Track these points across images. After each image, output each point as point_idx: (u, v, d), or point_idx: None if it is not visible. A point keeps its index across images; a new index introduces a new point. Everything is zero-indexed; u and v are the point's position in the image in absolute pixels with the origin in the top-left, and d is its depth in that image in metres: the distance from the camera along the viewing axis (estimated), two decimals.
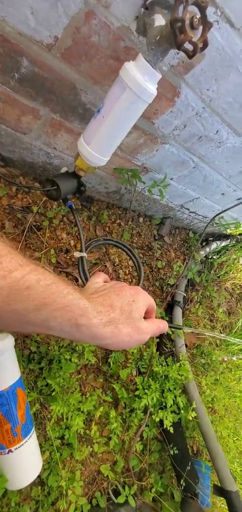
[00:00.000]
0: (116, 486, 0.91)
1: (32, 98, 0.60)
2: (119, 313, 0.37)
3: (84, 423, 0.85)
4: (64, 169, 0.61)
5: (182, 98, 0.61)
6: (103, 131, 0.47)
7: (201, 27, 0.38)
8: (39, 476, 0.75)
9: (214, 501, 1.18)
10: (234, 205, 1.07)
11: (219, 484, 0.92)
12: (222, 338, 1.39)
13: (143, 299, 0.42)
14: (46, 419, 0.79)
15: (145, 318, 0.43)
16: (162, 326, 0.43)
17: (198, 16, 0.38)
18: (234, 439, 1.34)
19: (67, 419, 0.79)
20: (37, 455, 0.70)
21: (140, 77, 0.40)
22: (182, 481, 0.91)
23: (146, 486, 0.95)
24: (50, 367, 0.81)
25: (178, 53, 0.51)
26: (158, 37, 0.38)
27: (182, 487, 0.94)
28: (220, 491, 0.90)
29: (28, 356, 0.81)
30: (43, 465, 0.75)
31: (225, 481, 0.88)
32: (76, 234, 0.97)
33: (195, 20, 0.37)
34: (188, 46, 0.37)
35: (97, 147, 0.50)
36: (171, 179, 0.95)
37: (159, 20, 0.40)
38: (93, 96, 0.60)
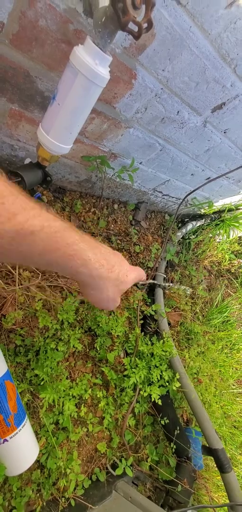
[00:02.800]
0: (114, 461, 0.95)
1: None
2: (114, 278, 0.41)
3: (76, 406, 0.88)
4: (27, 160, 0.62)
5: (139, 80, 0.63)
6: (61, 118, 0.48)
7: (144, 6, 0.40)
8: (38, 461, 0.78)
9: (207, 462, 1.26)
10: (203, 184, 1.11)
11: (207, 445, 0.98)
12: None
13: (134, 279, 0.47)
14: (38, 407, 0.81)
15: None
16: (115, 308, 0.47)
17: None
18: (221, 404, 1.42)
19: (59, 405, 0.81)
20: (33, 441, 0.73)
21: (91, 61, 0.42)
22: (172, 444, 0.97)
23: (142, 457, 1.00)
24: (37, 358, 0.82)
25: (128, 34, 0.53)
26: (103, 19, 0.40)
27: (175, 452, 1.00)
28: (208, 450, 0.96)
29: (14, 350, 0.82)
30: (40, 450, 0.77)
31: (212, 441, 0.95)
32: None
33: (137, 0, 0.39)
34: (132, 26, 0.39)
35: (57, 135, 0.51)
36: (140, 163, 0.97)
37: (103, 0, 0.41)
38: (50, 83, 0.60)
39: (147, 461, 1.00)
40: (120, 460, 0.94)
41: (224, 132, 0.90)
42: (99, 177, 1.00)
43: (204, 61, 0.61)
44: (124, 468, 0.92)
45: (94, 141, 0.81)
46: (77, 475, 0.81)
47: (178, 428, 1.00)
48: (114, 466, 0.94)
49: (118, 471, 0.91)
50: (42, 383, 0.79)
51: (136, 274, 0.48)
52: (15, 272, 0.86)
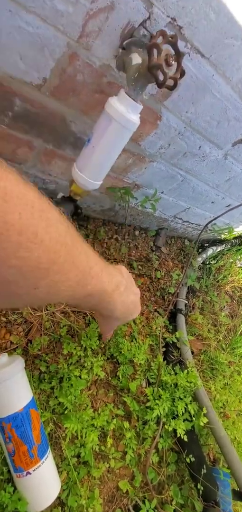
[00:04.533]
0: (136, 501, 0.90)
1: (26, 132, 0.66)
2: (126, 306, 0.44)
3: (98, 439, 0.86)
4: (60, 195, 0.67)
5: (164, 121, 0.68)
6: (94, 159, 0.53)
7: (175, 62, 0.44)
8: (58, 497, 0.75)
9: (236, 508, 1.16)
10: (224, 212, 1.12)
11: (237, 488, 0.91)
12: None
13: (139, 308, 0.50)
14: (60, 438, 0.80)
15: None
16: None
17: (172, 53, 0.44)
18: None
19: (81, 436, 0.80)
20: (55, 476, 0.71)
21: (124, 110, 0.46)
22: (199, 485, 0.91)
23: (166, 499, 0.94)
24: (61, 386, 0.83)
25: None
26: (136, 75, 0.45)
27: (201, 495, 0.93)
28: (239, 495, 0.89)
29: (38, 377, 0.83)
30: (61, 486, 0.75)
31: None
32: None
33: (170, 59, 0.43)
34: (169, 82, 0.44)
35: (90, 173, 0.55)
36: (162, 192, 1.01)
37: (136, 58, 0.46)
38: (82, 125, 0.66)
39: (171, 504, 0.94)
40: (143, 502, 0.89)
41: None
42: (122, 206, 1.04)
43: (225, 103, 0.65)
44: (147, 511, 0.87)
45: (119, 174, 0.86)
46: None
47: (204, 467, 0.94)
48: (137, 508, 0.89)
49: None
50: (66, 412, 0.79)
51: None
52: None
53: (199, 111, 0.67)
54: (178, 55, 0.44)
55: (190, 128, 0.72)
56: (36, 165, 0.77)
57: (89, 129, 0.66)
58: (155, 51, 0.41)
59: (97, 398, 0.96)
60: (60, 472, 0.77)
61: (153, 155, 0.80)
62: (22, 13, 0.42)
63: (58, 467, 0.78)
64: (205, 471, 0.95)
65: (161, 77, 0.41)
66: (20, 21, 0.43)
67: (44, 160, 0.76)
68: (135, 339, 1.07)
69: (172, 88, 0.43)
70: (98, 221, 1.12)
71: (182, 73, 0.44)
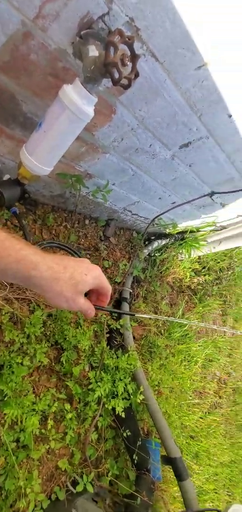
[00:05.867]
0: (74, 478, 0.95)
1: None
2: (68, 277, 0.42)
3: (39, 423, 0.87)
4: (6, 176, 0.63)
5: (118, 115, 0.69)
6: (45, 144, 0.51)
7: (130, 62, 0.46)
8: None
9: (164, 474, 1.31)
10: (170, 208, 1.21)
11: (166, 455, 1.04)
12: (169, 320, 1.54)
13: (96, 278, 0.46)
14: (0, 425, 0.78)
15: (88, 294, 0.48)
16: (89, 311, 0.48)
17: (128, 53, 0.45)
18: (179, 415, 1.51)
19: (21, 422, 0.80)
20: None
21: (79, 100, 0.46)
22: (134, 455, 1.00)
23: (103, 472, 1.02)
24: (1, 373, 0.80)
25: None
26: (92, 67, 0.45)
27: (135, 464, 1.03)
28: (167, 460, 1.02)
29: None
30: None
31: (170, 450, 1.01)
32: (22, 238, 0.98)
33: (125, 59, 0.44)
34: (123, 81, 0.45)
35: (40, 158, 0.54)
36: (113, 184, 1.03)
37: (93, 51, 0.46)
38: (33, 107, 0.63)
39: (107, 476, 1.01)
40: (81, 477, 0.94)
41: (190, 166, 1.00)
42: (73, 193, 1.03)
43: (175, 107, 0.70)
44: (84, 484, 0.92)
45: (71, 160, 0.85)
46: (37, 495, 0.79)
47: (139, 440, 1.04)
48: (75, 483, 0.94)
49: (79, 488, 0.91)
50: (6, 399, 0.77)
51: (98, 272, 0.47)
52: None
53: (151, 111, 0.70)
54: (134, 57, 0.45)
55: (143, 126, 0.75)
56: None
57: (40, 112, 0.63)
58: (112, 49, 0.42)
59: (40, 384, 0.96)
60: None
61: (106, 147, 0.81)
62: None
63: None
64: (139, 443, 1.05)
65: (116, 75, 0.43)
66: None
67: None
68: (80, 326, 1.09)
69: (126, 87, 0.45)
70: (47, 206, 1.08)
71: (137, 74, 0.46)
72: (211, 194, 1.22)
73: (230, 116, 0.76)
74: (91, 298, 0.50)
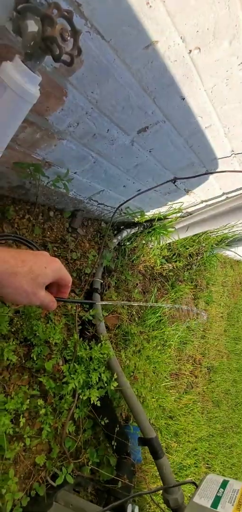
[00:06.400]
0: (54, 471, 0.93)
1: None
2: (26, 271, 0.41)
3: (12, 422, 0.84)
4: None
5: (70, 98, 0.68)
6: None
7: (71, 38, 0.45)
8: None
9: (145, 455, 1.35)
10: (134, 195, 1.23)
11: (142, 436, 1.06)
12: (141, 305, 1.57)
13: (56, 271, 0.46)
14: None
15: (49, 287, 0.47)
16: (50, 304, 0.47)
17: (68, 28, 0.44)
18: (156, 398, 1.55)
19: None
20: None
21: (20, 79, 0.44)
22: (113, 442, 1.01)
23: (83, 462, 1.01)
24: None
25: None
26: (32, 43, 0.43)
27: (115, 450, 1.05)
28: (144, 441, 1.04)
29: None
30: None
31: (146, 431, 1.03)
32: None
33: (65, 33, 0.43)
34: (65, 57, 0.44)
35: None
36: (75, 173, 1.01)
37: (32, 26, 0.44)
38: None
39: (88, 465, 1.02)
40: (60, 470, 0.93)
41: (150, 151, 1.01)
42: (33, 184, 0.99)
43: (128, 90, 0.70)
44: (64, 476, 0.91)
45: (26, 148, 0.82)
46: (14, 494, 0.77)
47: (118, 426, 1.05)
48: (55, 477, 0.93)
49: (59, 481, 0.90)
50: None
51: (58, 265, 0.47)
52: None
53: (104, 93, 0.69)
54: (75, 32, 0.44)
55: (97, 110, 0.74)
56: None
57: None
58: (49, 22, 0.40)
59: (10, 383, 0.93)
60: None
61: (62, 132, 0.79)
62: None
63: None
64: (118, 429, 1.06)
65: (56, 51, 0.42)
66: None
67: None
68: (51, 320, 1.07)
69: (69, 64, 0.44)
70: (6, 199, 1.03)
71: (79, 51, 0.45)
72: (174, 180, 1.25)
73: (183, 98, 0.78)
74: (51, 291, 0.50)
